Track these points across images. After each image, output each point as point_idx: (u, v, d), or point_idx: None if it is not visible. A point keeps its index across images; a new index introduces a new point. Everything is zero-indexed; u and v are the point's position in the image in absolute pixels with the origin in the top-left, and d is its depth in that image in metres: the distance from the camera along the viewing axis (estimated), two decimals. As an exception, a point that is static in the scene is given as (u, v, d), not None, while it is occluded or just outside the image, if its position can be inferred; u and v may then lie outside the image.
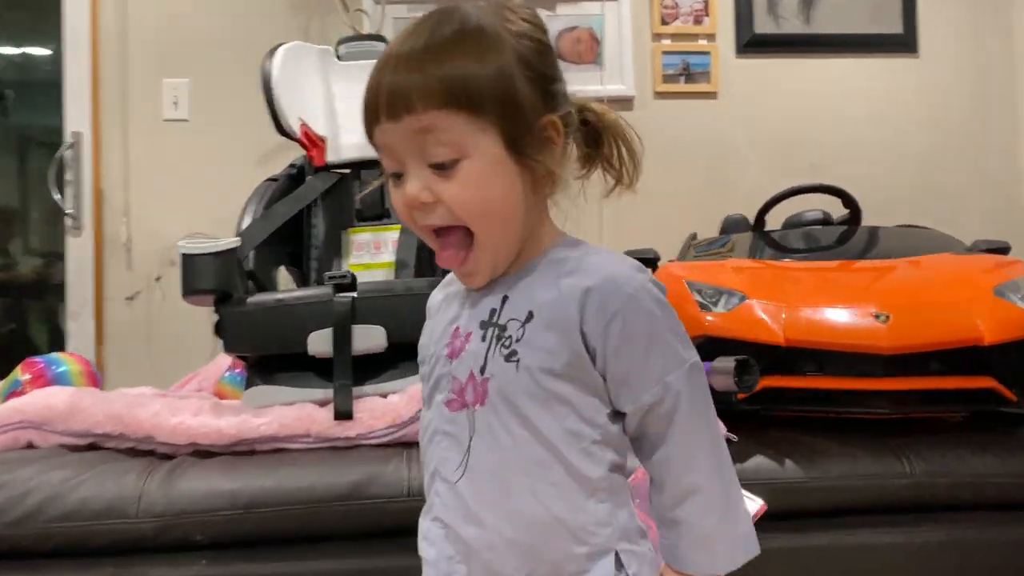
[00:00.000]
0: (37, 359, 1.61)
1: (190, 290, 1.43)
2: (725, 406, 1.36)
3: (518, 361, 0.75)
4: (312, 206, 1.87)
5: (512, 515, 0.75)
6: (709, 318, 1.44)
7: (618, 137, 0.83)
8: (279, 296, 1.51)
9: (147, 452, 1.38)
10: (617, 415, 0.78)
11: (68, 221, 2.49)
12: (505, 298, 0.78)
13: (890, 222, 1.96)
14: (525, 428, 0.75)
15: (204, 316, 2.26)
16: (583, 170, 0.83)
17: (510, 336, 0.76)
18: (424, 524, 0.82)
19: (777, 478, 1.31)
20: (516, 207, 0.76)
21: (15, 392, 1.47)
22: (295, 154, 1.95)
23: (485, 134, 0.73)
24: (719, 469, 0.78)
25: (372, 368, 1.44)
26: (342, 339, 1.43)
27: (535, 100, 0.75)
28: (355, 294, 1.45)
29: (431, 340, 0.85)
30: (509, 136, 0.74)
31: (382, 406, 1.41)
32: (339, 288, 1.47)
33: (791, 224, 1.93)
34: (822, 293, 1.46)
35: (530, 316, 0.76)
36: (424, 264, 1.71)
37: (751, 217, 2.11)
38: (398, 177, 0.76)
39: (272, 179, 1.86)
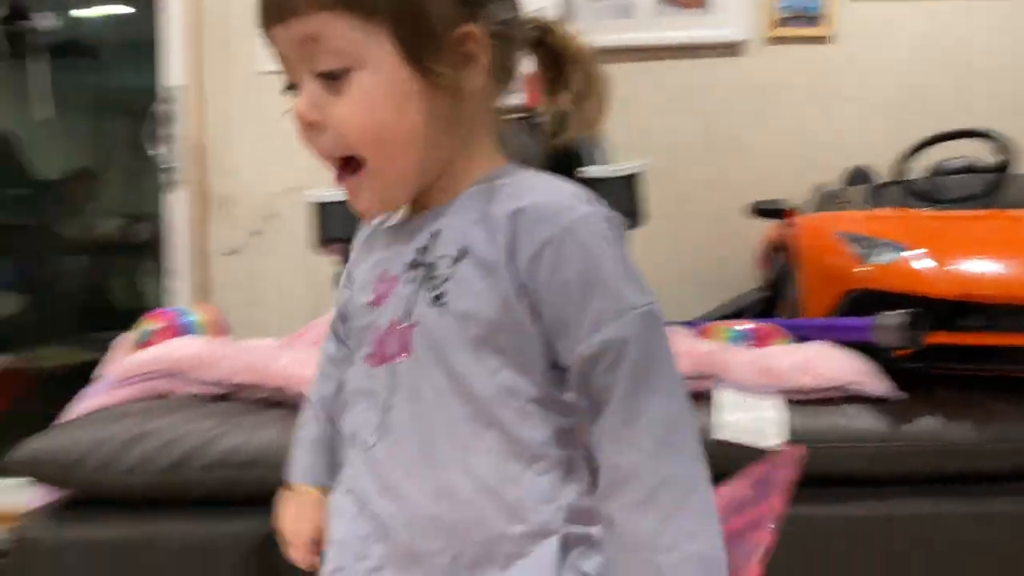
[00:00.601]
0: (166, 309, 1.60)
1: (326, 239, 1.39)
2: (885, 363, 1.30)
3: (445, 304, 0.64)
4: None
5: (435, 486, 0.64)
6: (865, 270, 1.36)
7: (585, 70, 0.69)
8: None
9: (277, 403, 1.36)
10: (563, 371, 0.66)
11: (166, 177, 2.48)
12: (435, 233, 0.67)
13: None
14: (452, 383, 0.64)
15: (307, 270, 2.26)
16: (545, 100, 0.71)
17: (438, 276, 0.65)
18: (334, 498, 0.72)
19: (948, 440, 1.22)
20: (418, 133, 0.65)
21: (145, 342, 1.46)
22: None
23: (379, 43, 0.62)
24: (668, 453, 0.61)
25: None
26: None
27: (447, 5, 0.63)
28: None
29: (351, 286, 0.74)
30: (408, 47, 0.62)
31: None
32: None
33: (937, 172, 1.82)
34: (987, 244, 1.37)
35: (462, 253, 0.65)
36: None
37: (876, 166, 2.00)
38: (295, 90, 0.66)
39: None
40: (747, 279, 2.25)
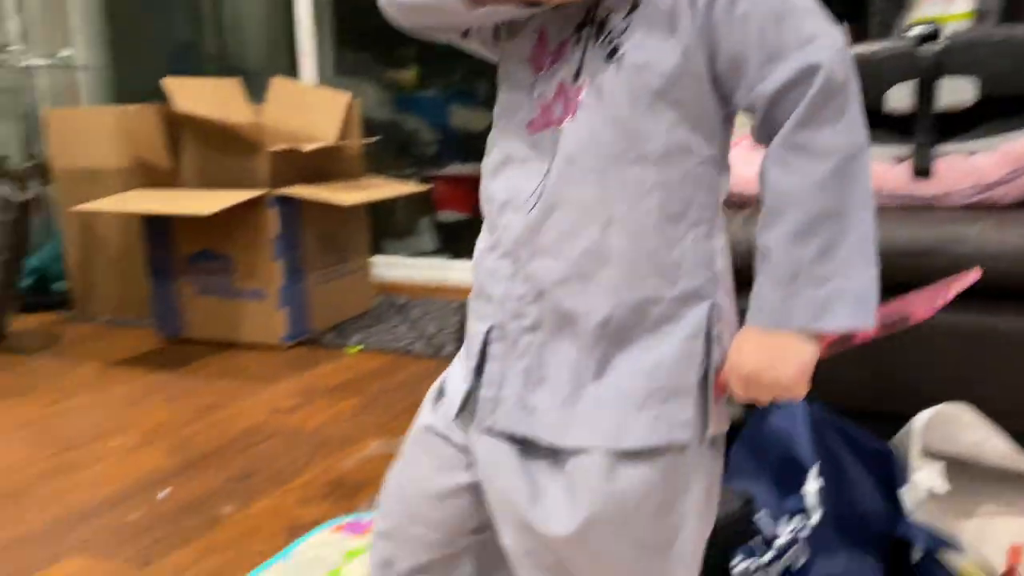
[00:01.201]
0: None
1: None
2: None
3: (622, 57, 0.61)
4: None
5: (592, 247, 0.63)
6: None
7: None
8: (855, 51, 1.46)
9: None
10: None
11: None
12: None
13: None
14: (623, 141, 0.62)
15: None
16: None
17: (611, 30, 0.62)
18: (489, 261, 0.70)
19: None
20: None
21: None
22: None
23: None
24: (837, 185, 0.57)
25: (957, 124, 1.35)
26: (925, 94, 1.35)
27: None
28: (941, 45, 1.35)
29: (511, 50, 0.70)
30: None
31: (966, 165, 1.32)
32: (922, 40, 1.37)
33: None
34: None
35: (635, 5, 0.61)
36: (1016, 9, 1.51)
37: None
38: None
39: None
40: None
